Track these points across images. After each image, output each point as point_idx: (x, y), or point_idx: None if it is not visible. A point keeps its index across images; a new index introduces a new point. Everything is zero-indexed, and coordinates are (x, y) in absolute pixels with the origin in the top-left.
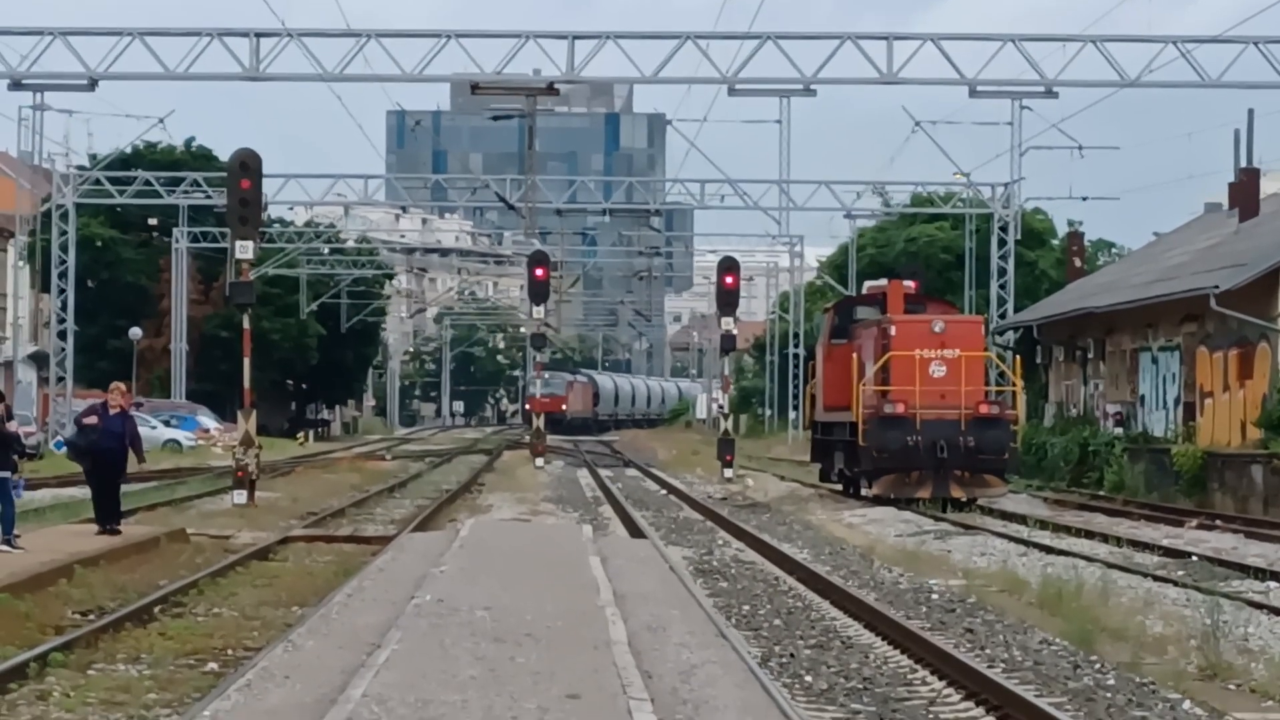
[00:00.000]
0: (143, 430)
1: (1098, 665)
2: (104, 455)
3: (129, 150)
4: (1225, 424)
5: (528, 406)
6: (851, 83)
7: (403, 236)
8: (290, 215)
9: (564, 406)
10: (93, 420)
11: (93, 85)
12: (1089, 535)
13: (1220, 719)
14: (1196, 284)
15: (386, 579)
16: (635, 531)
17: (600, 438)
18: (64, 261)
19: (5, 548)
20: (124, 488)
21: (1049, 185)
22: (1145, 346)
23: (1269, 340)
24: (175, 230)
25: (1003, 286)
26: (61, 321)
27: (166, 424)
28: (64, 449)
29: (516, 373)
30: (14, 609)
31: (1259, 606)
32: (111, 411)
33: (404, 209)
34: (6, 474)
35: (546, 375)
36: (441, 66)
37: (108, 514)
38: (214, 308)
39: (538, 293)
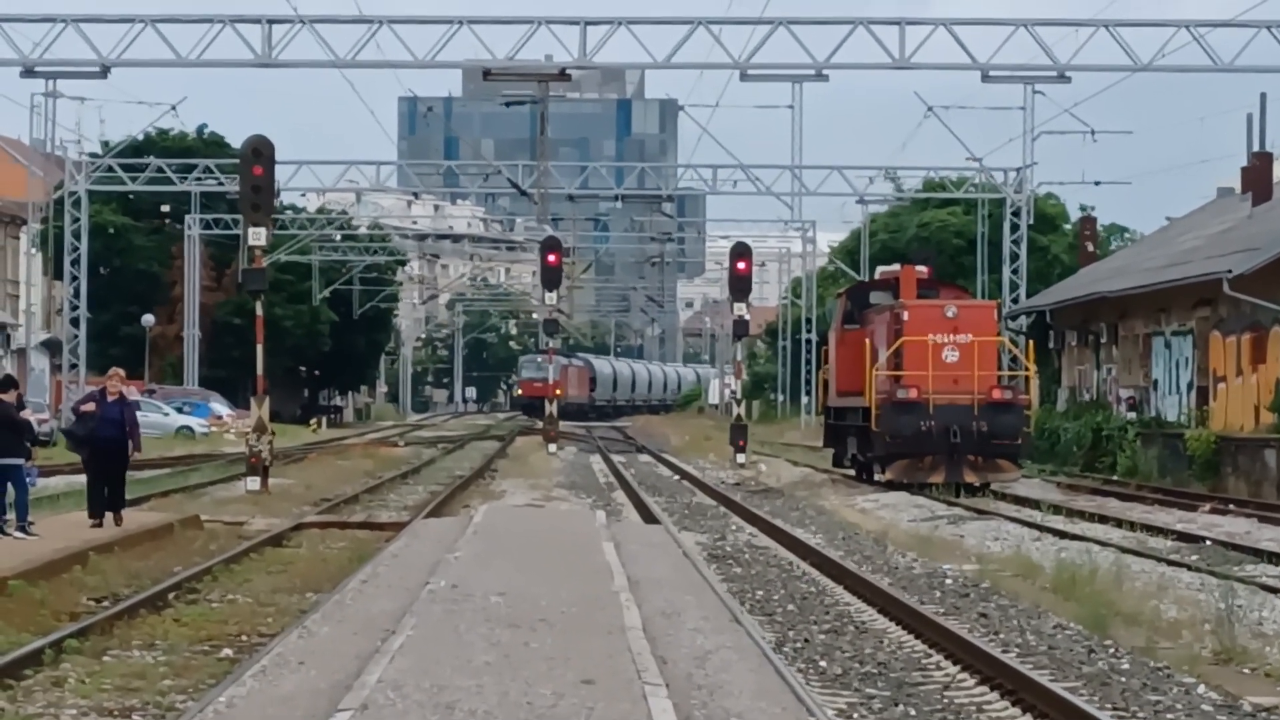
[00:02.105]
0: (155, 417)
1: (1112, 650)
2: (103, 444)
3: (141, 137)
4: (1238, 408)
5: (519, 391)
6: (864, 68)
7: (415, 223)
8: (302, 202)
9: (558, 391)
10: (90, 408)
11: (105, 72)
12: (1102, 520)
13: (1235, 703)
14: (1209, 268)
15: (400, 565)
16: (648, 517)
17: (597, 424)
18: (76, 248)
19: (18, 534)
20: (134, 475)
21: (1061, 170)
22: (1158, 331)
23: None
24: (187, 217)
25: (1015, 271)
26: (74, 308)
27: (179, 411)
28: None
29: None
30: (29, 596)
31: (1273, 591)
32: (110, 398)
33: (416, 195)
34: (19, 461)
35: (539, 359)
36: (453, 53)
37: (108, 504)
38: (226, 294)
39: (550, 279)
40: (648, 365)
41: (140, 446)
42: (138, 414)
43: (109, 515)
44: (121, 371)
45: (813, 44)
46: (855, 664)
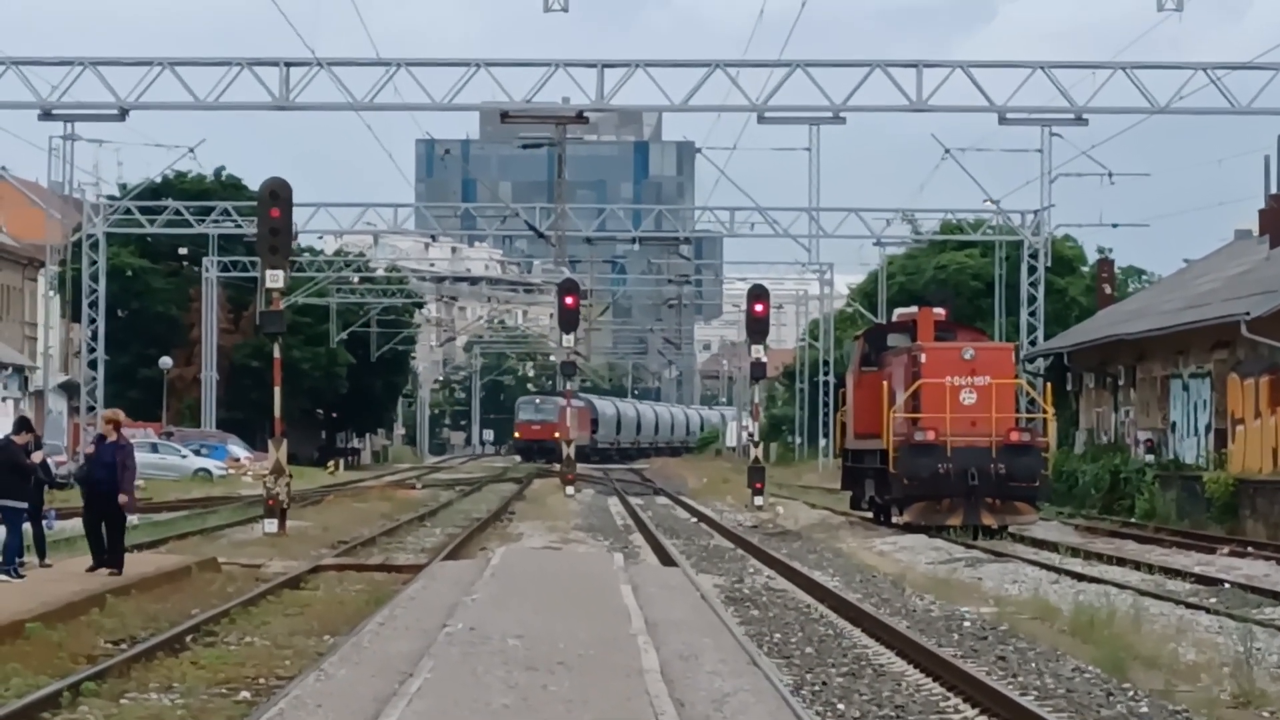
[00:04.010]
0: (173, 459)
1: (1131, 693)
2: (95, 486)
3: (159, 180)
4: (1257, 451)
5: (516, 435)
6: (881, 110)
7: (432, 265)
8: (320, 244)
9: (557, 434)
10: (90, 450)
11: (123, 115)
12: (1120, 562)
13: None
14: (1227, 311)
15: (418, 607)
16: (666, 559)
17: (602, 467)
18: (94, 291)
19: (5, 576)
20: (152, 517)
21: (1079, 212)
22: (1176, 373)
23: None
24: (205, 259)
25: (1033, 314)
26: (92, 351)
27: (197, 453)
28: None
29: None
30: (47, 638)
31: None
32: (107, 441)
33: (433, 237)
34: (23, 505)
35: (537, 400)
36: (471, 95)
37: (104, 549)
38: (244, 337)
39: (567, 321)
40: (654, 406)
41: (128, 491)
42: (161, 456)
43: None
44: (110, 413)
45: (830, 86)
46: (873, 707)
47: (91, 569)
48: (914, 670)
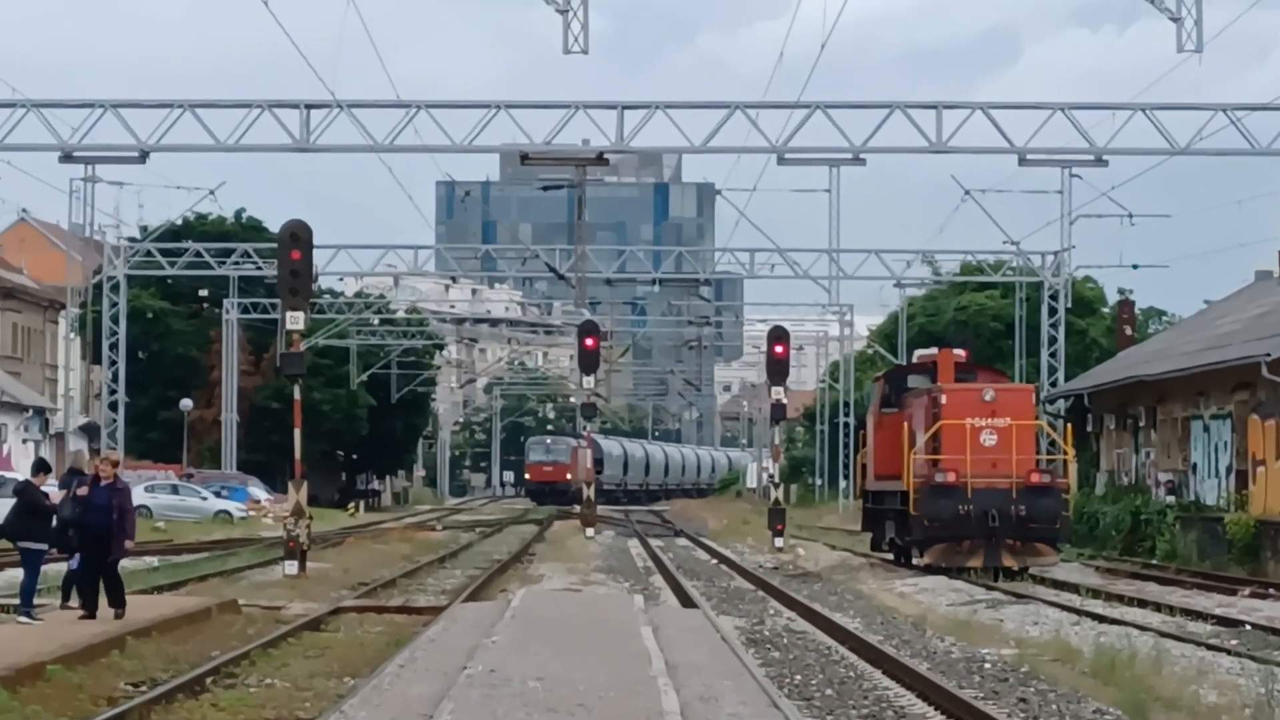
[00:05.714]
0: (193, 501)
1: None
2: (89, 530)
3: (179, 222)
4: (1278, 492)
5: (527, 476)
6: (901, 151)
7: (452, 307)
8: (340, 286)
9: (569, 475)
10: (83, 492)
11: (143, 157)
12: (1141, 604)
13: None
14: (1248, 352)
15: (438, 649)
16: (686, 601)
17: (617, 508)
18: (115, 333)
19: (22, 619)
20: (172, 559)
21: (1099, 253)
22: (1197, 415)
23: None
24: (225, 301)
25: (1053, 355)
26: (112, 393)
27: (217, 495)
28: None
29: None
30: (67, 681)
31: None
32: (103, 483)
33: (454, 279)
34: (42, 546)
35: (548, 440)
36: (491, 137)
37: (107, 597)
38: (264, 378)
39: (588, 363)
40: (665, 447)
41: (133, 535)
42: (181, 498)
43: (111, 610)
44: (114, 455)
45: (850, 128)
46: None
47: (86, 616)
48: (935, 712)
